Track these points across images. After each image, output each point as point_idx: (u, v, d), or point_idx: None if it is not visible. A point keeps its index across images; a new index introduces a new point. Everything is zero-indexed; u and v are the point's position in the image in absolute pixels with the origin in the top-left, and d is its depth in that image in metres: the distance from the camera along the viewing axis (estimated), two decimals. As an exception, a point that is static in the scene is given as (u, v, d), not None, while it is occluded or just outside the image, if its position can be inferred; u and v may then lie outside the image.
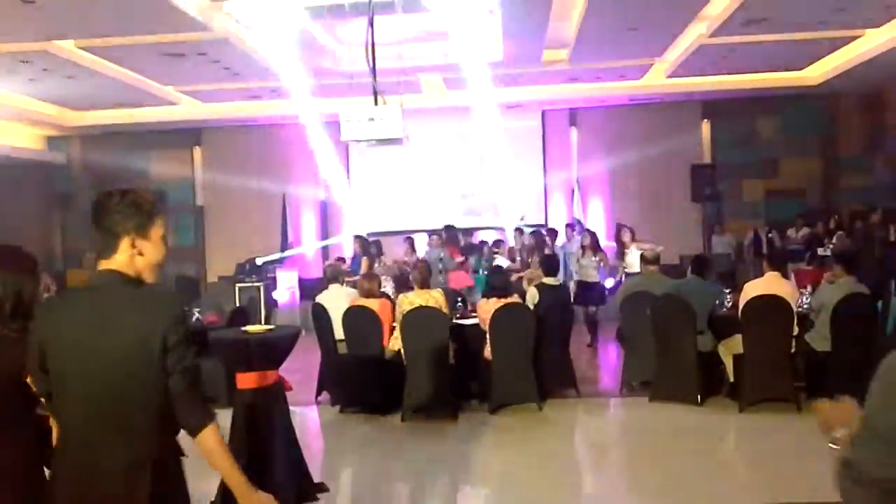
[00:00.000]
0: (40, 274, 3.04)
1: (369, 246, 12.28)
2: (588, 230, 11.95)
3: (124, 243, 2.43)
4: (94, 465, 2.38)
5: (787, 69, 13.23)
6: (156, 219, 2.48)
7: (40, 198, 15.77)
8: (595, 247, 11.14)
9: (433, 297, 7.54)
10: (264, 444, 5.03)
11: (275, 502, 2.49)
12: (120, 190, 2.47)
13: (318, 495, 5.36)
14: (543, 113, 15.27)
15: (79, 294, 2.60)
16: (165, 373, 2.38)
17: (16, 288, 2.83)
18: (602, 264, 11.12)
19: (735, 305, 7.57)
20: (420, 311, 7.31)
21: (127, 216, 2.43)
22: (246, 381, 5.03)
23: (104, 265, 2.46)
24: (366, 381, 7.57)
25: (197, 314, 8.64)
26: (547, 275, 8.47)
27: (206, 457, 2.44)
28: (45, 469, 2.78)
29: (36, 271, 2.93)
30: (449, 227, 12.76)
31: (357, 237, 12.63)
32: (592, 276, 10.97)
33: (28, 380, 2.64)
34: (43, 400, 2.58)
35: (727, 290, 8.25)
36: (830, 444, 2.06)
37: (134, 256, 2.44)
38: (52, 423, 2.67)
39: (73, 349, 2.39)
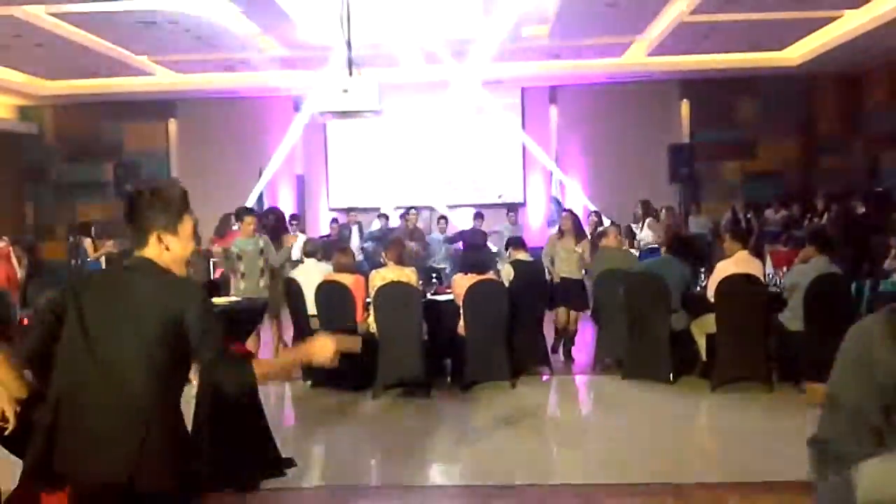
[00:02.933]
0: None
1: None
2: (568, 210, 9.72)
3: (153, 238, 2.60)
4: (93, 424, 2.48)
5: (766, 49, 13.20)
6: (184, 216, 2.64)
7: (11, 169, 15.49)
8: (578, 232, 8.77)
9: (405, 274, 7.46)
10: (230, 418, 4.95)
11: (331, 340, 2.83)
12: (150, 188, 2.64)
13: (286, 470, 5.30)
14: (523, 90, 15.16)
15: (112, 272, 2.89)
16: (189, 347, 2.53)
17: None
18: (584, 255, 8.60)
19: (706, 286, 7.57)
20: (393, 287, 7.23)
21: (156, 213, 2.59)
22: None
23: (137, 254, 2.63)
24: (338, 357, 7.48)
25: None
26: (517, 251, 8.40)
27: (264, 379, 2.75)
28: None
29: None
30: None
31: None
32: (572, 272, 8.61)
33: None
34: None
35: (702, 270, 8.24)
36: None
37: (162, 251, 2.60)
38: None
39: (99, 317, 2.51)
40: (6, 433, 2.82)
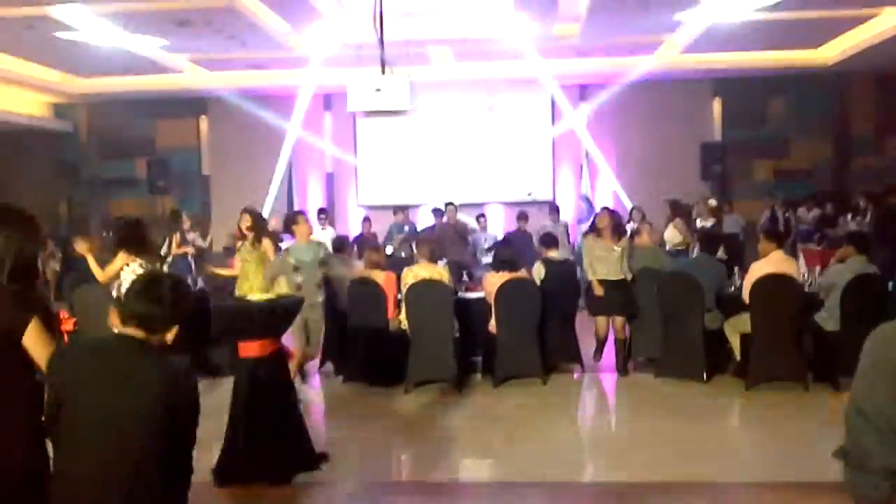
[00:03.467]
0: (42, 233, 2.94)
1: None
2: (605, 207, 8.72)
3: (174, 331, 2.62)
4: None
5: (800, 48, 13.05)
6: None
7: (46, 165, 15.71)
8: (617, 229, 7.88)
9: (438, 271, 7.48)
10: (266, 413, 5.00)
11: None
12: (171, 281, 2.67)
13: (320, 465, 5.34)
14: (553, 88, 15.08)
15: (99, 347, 2.67)
16: (170, 437, 2.51)
17: (16, 246, 2.74)
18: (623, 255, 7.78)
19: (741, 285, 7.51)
20: (425, 284, 7.26)
21: (178, 310, 2.62)
22: (248, 349, 4.99)
23: (131, 331, 2.56)
24: (370, 352, 7.54)
25: (201, 283, 8.61)
26: (549, 249, 8.38)
27: None
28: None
29: (35, 228, 2.83)
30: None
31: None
32: (613, 273, 7.75)
33: (23, 343, 2.60)
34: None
35: (735, 269, 8.18)
36: None
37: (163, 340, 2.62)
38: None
39: (91, 398, 2.48)
40: None
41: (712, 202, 12.14)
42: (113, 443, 2.46)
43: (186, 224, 11.62)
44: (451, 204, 12.15)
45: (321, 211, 13.06)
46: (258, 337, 4.96)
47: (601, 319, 7.91)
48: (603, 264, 7.73)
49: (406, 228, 12.47)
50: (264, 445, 5.00)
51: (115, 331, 2.70)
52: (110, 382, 2.49)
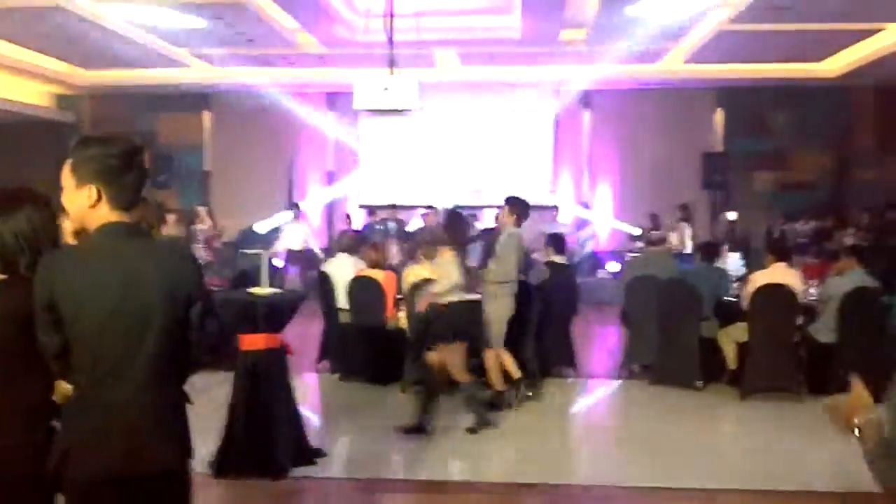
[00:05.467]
0: (58, 215, 2.90)
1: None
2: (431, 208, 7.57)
3: (142, 202, 2.53)
4: (121, 415, 2.37)
5: (805, 60, 13.10)
6: None
7: (49, 156, 15.59)
8: (456, 238, 6.30)
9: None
10: (265, 407, 5.03)
11: None
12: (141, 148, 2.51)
13: (315, 460, 5.37)
14: (556, 93, 15.14)
15: (92, 246, 2.49)
16: (187, 322, 2.46)
17: (35, 228, 2.72)
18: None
19: (739, 294, 7.55)
20: (427, 285, 7.25)
21: (145, 177, 2.49)
22: (250, 342, 5.02)
23: (118, 217, 2.44)
24: (367, 351, 7.56)
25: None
26: (556, 253, 8.40)
27: None
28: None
29: (52, 210, 2.80)
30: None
31: None
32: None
33: None
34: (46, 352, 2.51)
35: (734, 278, 8.23)
36: (855, 431, 2.00)
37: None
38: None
39: (96, 299, 2.36)
40: None
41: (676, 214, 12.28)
42: (124, 341, 2.36)
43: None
44: (431, 207, 12.32)
45: (294, 206, 13.25)
46: (261, 331, 4.99)
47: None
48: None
49: (379, 228, 12.75)
50: (262, 439, 5.04)
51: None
52: (104, 280, 2.36)
